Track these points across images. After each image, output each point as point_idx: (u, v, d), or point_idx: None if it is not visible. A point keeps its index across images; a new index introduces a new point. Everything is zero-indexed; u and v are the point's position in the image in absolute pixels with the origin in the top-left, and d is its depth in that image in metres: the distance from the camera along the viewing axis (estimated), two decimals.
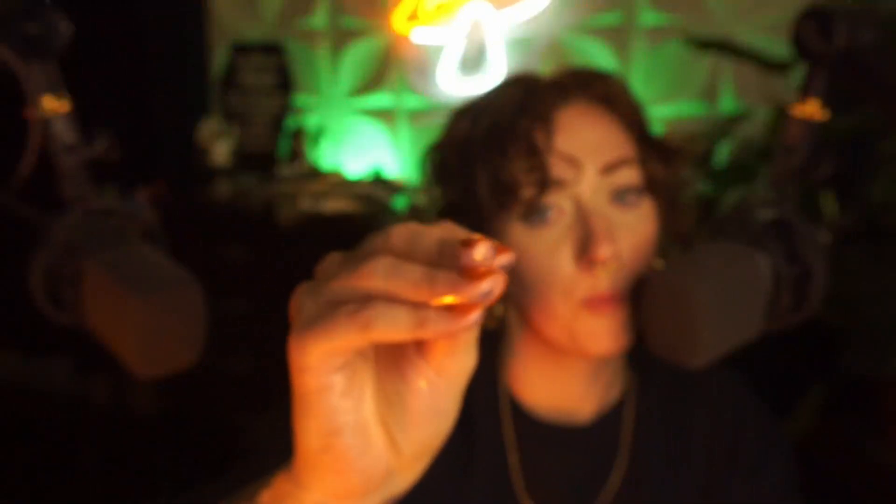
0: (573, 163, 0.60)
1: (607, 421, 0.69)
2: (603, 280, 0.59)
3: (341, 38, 2.92)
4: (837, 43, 0.55)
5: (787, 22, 0.58)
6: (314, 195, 2.66)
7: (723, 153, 2.35)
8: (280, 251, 2.56)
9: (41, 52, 0.56)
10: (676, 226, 0.68)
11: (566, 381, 0.67)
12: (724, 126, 2.20)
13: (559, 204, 0.60)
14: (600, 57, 2.57)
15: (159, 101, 2.91)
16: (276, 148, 2.96)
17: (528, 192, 0.60)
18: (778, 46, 2.16)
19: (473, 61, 2.67)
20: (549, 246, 0.60)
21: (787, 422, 1.77)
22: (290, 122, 2.96)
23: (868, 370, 1.58)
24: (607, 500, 0.67)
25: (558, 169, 0.60)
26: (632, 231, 0.61)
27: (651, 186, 0.63)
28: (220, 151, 2.85)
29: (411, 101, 2.78)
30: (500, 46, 2.62)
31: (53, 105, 0.57)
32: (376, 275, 0.30)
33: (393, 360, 0.35)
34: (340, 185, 2.72)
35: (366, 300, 0.30)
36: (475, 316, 0.29)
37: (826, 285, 0.59)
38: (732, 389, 0.72)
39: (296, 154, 2.91)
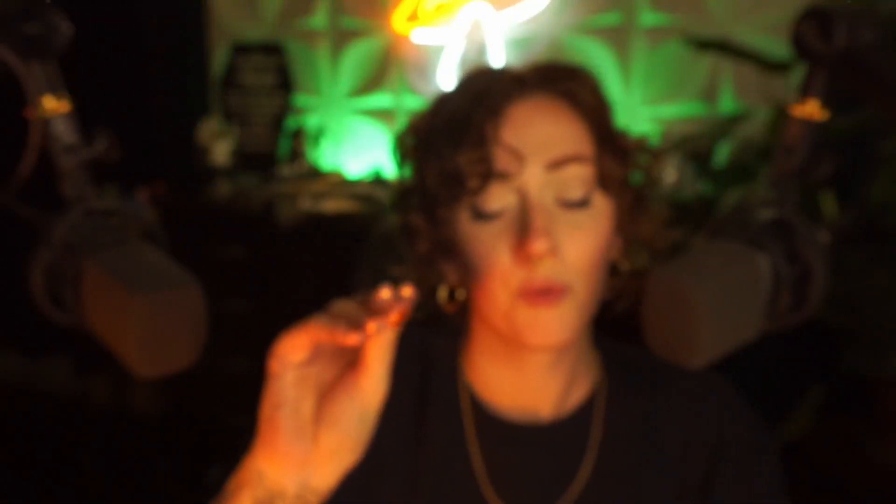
0: (518, 156, 0.61)
1: (575, 418, 0.69)
2: (539, 273, 0.60)
3: (341, 38, 2.92)
4: (837, 43, 0.55)
5: (786, 22, 0.58)
6: (314, 195, 2.66)
7: (723, 153, 2.35)
8: (280, 251, 2.56)
9: (41, 51, 0.56)
10: (637, 227, 0.68)
11: (522, 375, 0.68)
12: (724, 126, 2.20)
13: (504, 196, 0.61)
14: (600, 57, 2.57)
15: (160, 101, 2.91)
16: (276, 148, 2.97)
17: (473, 183, 0.61)
18: (777, 47, 2.16)
19: (473, 61, 2.68)
20: (492, 236, 0.61)
21: (787, 421, 1.77)
22: (290, 123, 2.96)
23: (867, 370, 1.58)
24: (573, 498, 0.67)
25: (503, 162, 0.61)
26: (579, 228, 0.61)
27: (605, 185, 0.63)
28: (221, 151, 2.85)
29: (411, 102, 2.79)
30: (500, 46, 2.62)
31: (53, 105, 0.57)
32: (335, 307, 0.49)
33: (338, 383, 0.51)
34: (340, 185, 2.72)
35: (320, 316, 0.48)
36: (364, 331, 0.46)
37: (826, 285, 0.59)
38: (718, 392, 0.71)
39: (296, 154, 2.91)
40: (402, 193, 0.68)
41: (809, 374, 1.79)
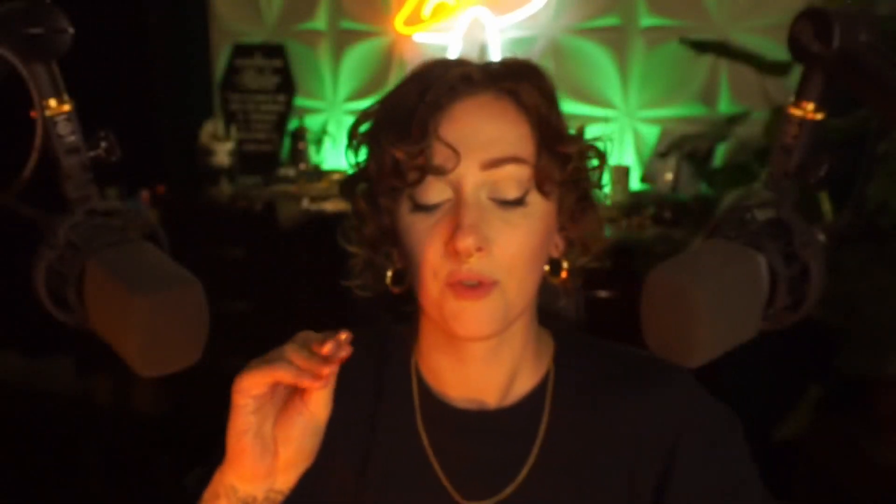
0: (455, 153, 0.62)
1: (522, 406, 0.70)
2: (467, 267, 0.61)
3: (342, 40, 2.92)
4: (834, 44, 0.55)
5: (784, 24, 0.58)
6: (315, 196, 2.67)
7: (721, 154, 2.36)
8: (280, 251, 2.56)
9: (44, 53, 0.56)
10: (579, 227, 0.69)
11: (463, 364, 0.69)
12: (723, 127, 2.20)
13: (441, 190, 0.63)
14: (599, 58, 2.58)
15: (161, 103, 2.92)
16: (277, 149, 2.97)
17: (411, 176, 0.63)
18: (775, 48, 2.16)
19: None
20: (427, 228, 0.63)
21: (785, 420, 1.78)
22: (292, 124, 2.97)
23: (865, 370, 1.59)
24: (520, 485, 0.68)
25: (441, 157, 0.62)
26: (512, 226, 0.63)
27: (542, 187, 0.64)
28: (222, 152, 2.85)
29: None
30: (499, 48, 2.63)
31: (56, 106, 0.57)
32: (286, 352, 0.57)
33: (288, 404, 0.59)
34: None
35: (280, 361, 0.56)
36: (323, 378, 0.56)
37: (824, 285, 0.60)
38: (675, 382, 0.71)
39: (297, 155, 2.92)
40: (350, 179, 0.69)
41: (807, 374, 1.80)
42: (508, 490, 0.68)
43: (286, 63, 2.95)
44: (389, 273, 0.69)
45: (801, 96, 0.59)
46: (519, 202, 0.63)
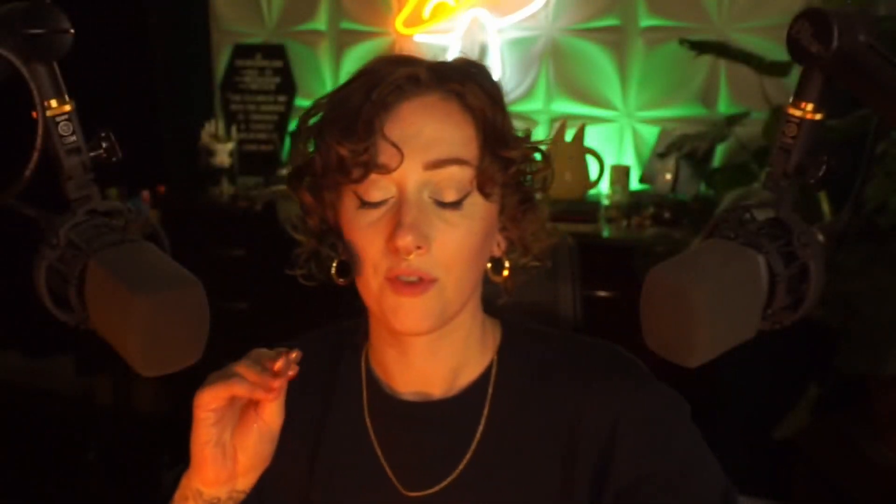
0: (399, 152, 0.63)
1: (464, 397, 0.71)
2: (407, 264, 0.63)
3: (343, 40, 2.92)
4: (833, 45, 0.55)
5: (783, 24, 0.58)
6: None
7: (720, 154, 2.36)
8: (281, 251, 2.56)
9: (45, 53, 0.56)
10: (522, 228, 0.70)
11: (406, 356, 0.71)
12: (722, 127, 2.20)
13: (385, 187, 0.64)
14: (599, 59, 2.58)
15: (162, 103, 2.92)
16: (277, 149, 2.97)
17: (355, 173, 0.64)
18: (774, 49, 2.17)
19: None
20: (370, 224, 0.64)
21: (784, 420, 1.78)
22: (292, 124, 2.96)
23: (864, 369, 1.59)
24: (459, 474, 0.69)
25: (385, 156, 0.63)
26: (452, 226, 0.64)
27: (484, 188, 0.65)
28: (223, 152, 2.85)
29: None
30: (499, 49, 2.63)
31: (57, 106, 0.57)
32: (240, 367, 0.62)
33: (244, 414, 0.64)
34: None
35: (235, 377, 0.61)
36: (274, 391, 0.61)
37: (823, 285, 0.60)
38: (616, 367, 0.71)
39: None
40: (296, 172, 0.70)
41: (806, 374, 1.80)
42: (448, 480, 0.70)
43: (287, 63, 2.95)
44: (334, 264, 0.70)
45: (799, 96, 0.59)
46: (460, 203, 0.64)
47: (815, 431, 1.80)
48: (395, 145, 0.63)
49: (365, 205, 0.65)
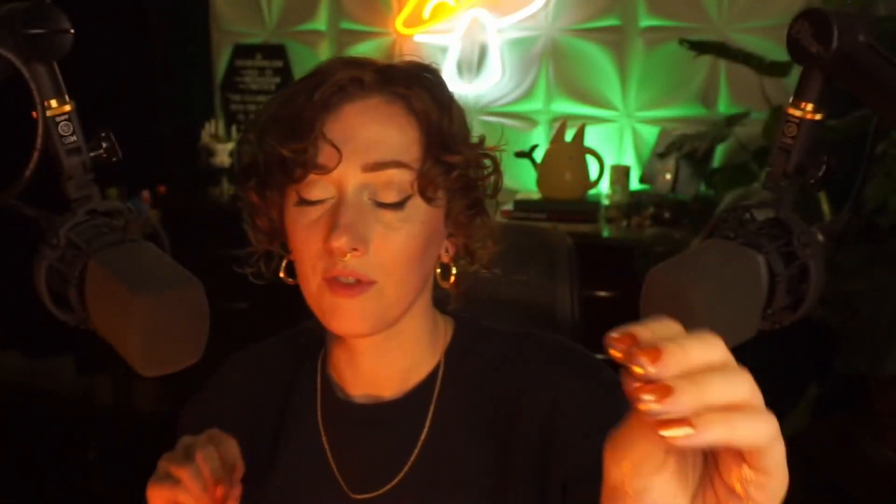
0: (338, 153, 0.63)
1: (411, 397, 0.71)
2: (344, 265, 0.62)
3: (343, 40, 2.92)
4: (832, 45, 0.55)
5: (782, 24, 0.58)
6: None
7: (720, 154, 2.36)
8: None
9: (45, 53, 0.56)
10: (469, 234, 0.69)
11: (354, 358, 0.71)
12: (722, 128, 2.20)
13: (325, 187, 0.64)
14: (599, 59, 2.58)
15: (162, 103, 2.92)
16: None
17: (295, 173, 0.63)
18: (774, 49, 2.17)
19: (473, 64, 2.68)
20: (309, 223, 0.64)
21: (784, 420, 1.78)
22: None
23: (864, 369, 1.59)
24: (404, 475, 0.69)
25: (324, 157, 0.63)
26: (391, 229, 0.63)
27: (426, 192, 0.64)
28: (223, 152, 2.85)
29: None
30: (499, 49, 2.63)
31: (57, 106, 0.58)
32: (185, 474, 0.61)
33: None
34: None
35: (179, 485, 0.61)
36: None
37: (823, 285, 0.60)
38: (557, 354, 0.71)
39: None
40: (243, 171, 0.70)
41: (806, 373, 1.80)
42: (394, 482, 0.69)
43: (287, 64, 2.95)
44: (283, 265, 0.70)
45: (799, 97, 0.59)
46: (399, 206, 0.64)
47: (815, 431, 1.80)
48: (334, 146, 0.63)
49: (304, 204, 0.64)
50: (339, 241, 0.61)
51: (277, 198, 0.67)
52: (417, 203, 0.65)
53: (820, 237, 0.60)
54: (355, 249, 0.62)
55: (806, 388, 1.77)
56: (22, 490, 2.26)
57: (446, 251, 0.70)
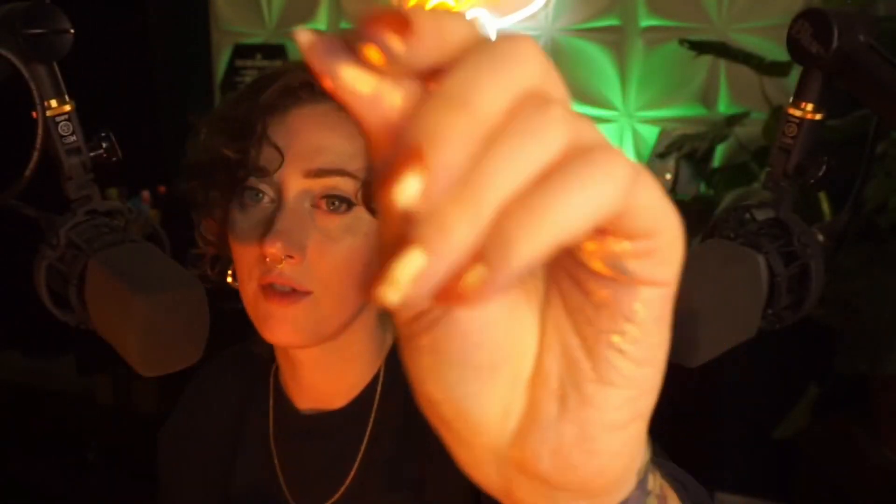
0: (279, 158, 0.61)
1: (355, 407, 0.70)
2: (279, 272, 0.60)
3: None
4: (833, 45, 0.55)
5: (783, 24, 0.58)
6: None
7: (720, 155, 2.36)
8: None
9: (45, 53, 0.56)
10: None
11: (296, 369, 0.69)
12: (722, 128, 2.20)
13: (267, 191, 0.62)
14: (598, 59, 2.58)
15: (162, 103, 2.92)
16: None
17: (237, 175, 0.62)
18: (775, 49, 2.16)
19: None
20: (248, 227, 0.62)
21: (784, 420, 1.78)
22: None
23: (864, 369, 1.59)
24: (348, 486, 0.68)
25: (266, 160, 0.62)
26: (330, 239, 0.61)
27: (370, 203, 0.62)
28: None
29: None
30: None
31: (57, 106, 0.58)
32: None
33: None
34: None
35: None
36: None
37: (823, 285, 0.60)
38: None
39: None
40: (188, 170, 0.68)
41: (806, 374, 1.80)
42: (338, 494, 0.68)
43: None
44: (230, 270, 0.69)
45: (799, 97, 0.59)
46: (339, 215, 0.62)
47: (815, 431, 1.80)
48: (277, 149, 0.61)
49: (244, 208, 0.63)
50: (274, 247, 0.59)
51: (220, 199, 0.65)
52: (361, 214, 0.62)
53: (820, 237, 0.60)
54: (290, 256, 0.60)
55: (806, 388, 1.77)
56: (22, 490, 2.26)
57: None
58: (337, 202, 0.62)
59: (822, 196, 1.60)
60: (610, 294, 0.21)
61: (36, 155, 0.55)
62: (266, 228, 0.61)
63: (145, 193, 2.72)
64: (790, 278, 0.59)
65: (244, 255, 0.62)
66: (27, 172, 0.54)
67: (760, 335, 0.61)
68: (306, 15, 2.94)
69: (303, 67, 0.65)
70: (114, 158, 0.60)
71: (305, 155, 0.61)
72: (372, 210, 0.63)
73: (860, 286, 1.50)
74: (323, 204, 0.62)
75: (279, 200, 0.62)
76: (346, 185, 0.62)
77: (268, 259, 0.60)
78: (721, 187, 2.08)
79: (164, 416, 0.82)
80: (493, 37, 0.19)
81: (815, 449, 1.83)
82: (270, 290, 0.61)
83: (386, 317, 0.71)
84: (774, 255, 0.59)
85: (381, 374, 0.70)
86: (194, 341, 0.56)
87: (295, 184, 0.61)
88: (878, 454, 1.70)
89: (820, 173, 0.59)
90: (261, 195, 0.62)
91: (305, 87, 0.64)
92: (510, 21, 2.61)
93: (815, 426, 1.79)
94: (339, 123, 0.63)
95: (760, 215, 0.61)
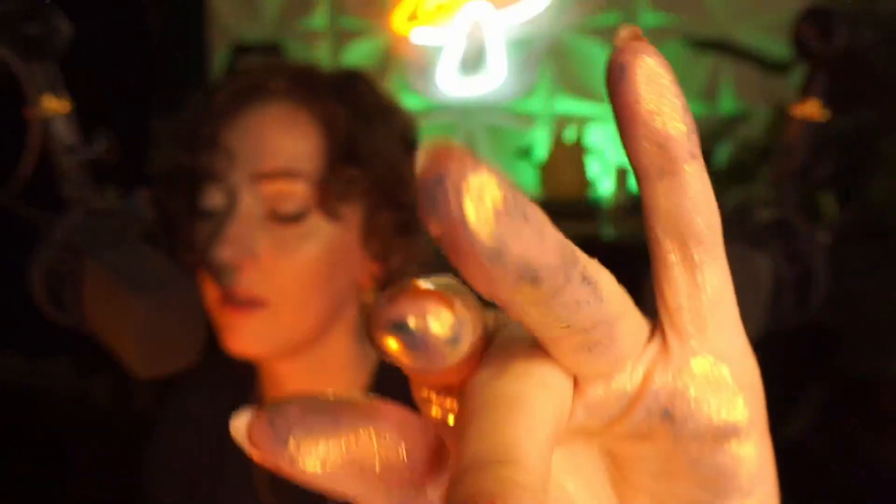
0: (227, 162, 0.59)
1: None
2: (235, 282, 0.57)
3: (341, 38, 2.92)
4: (837, 43, 0.55)
5: (787, 22, 0.58)
6: None
7: (723, 153, 2.35)
8: None
9: (42, 52, 0.56)
10: (389, 261, 0.64)
11: (279, 385, 0.66)
12: (724, 126, 2.20)
13: (218, 197, 0.60)
14: (600, 57, 2.57)
15: (160, 102, 2.91)
16: None
17: (190, 180, 0.60)
18: (778, 47, 2.16)
19: (473, 62, 2.68)
20: (206, 234, 0.60)
21: (786, 421, 1.77)
22: None
23: (867, 370, 1.58)
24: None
25: (216, 164, 0.60)
26: (285, 246, 0.58)
27: (326, 207, 0.59)
28: None
29: (411, 102, 2.79)
30: (500, 47, 2.62)
31: (54, 105, 0.57)
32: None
33: None
34: None
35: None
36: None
37: (827, 285, 0.59)
38: None
39: None
40: (150, 178, 0.66)
41: (809, 374, 1.80)
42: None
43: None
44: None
45: (803, 95, 0.59)
46: (295, 220, 0.58)
47: (818, 433, 1.79)
48: (227, 153, 0.59)
49: (201, 213, 0.60)
50: (222, 254, 0.56)
51: (178, 205, 0.63)
52: (317, 220, 0.59)
53: (824, 237, 0.60)
54: (241, 265, 0.57)
55: (807, 388, 1.77)
56: (20, 490, 2.26)
57: (370, 274, 0.64)
58: (290, 207, 0.58)
59: (826, 195, 1.60)
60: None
61: (31, 154, 0.54)
62: (220, 235, 0.58)
63: (144, 194, 2.72)
64: (794, 279, 0.58)
65: (203, 264, 0.59)
66: (23, 172, 0.54)
67: (765, 337, 0.60)
68: (304, 13, 2.94)
69: (259, 69, 0.64)
70: (111, 158, 0.60)
71: (253, 157, 0.59)
72: (329, 214, 0.59)
73: (864, 286, 1.50)
74: (276, 212, 0.59)
75: (231, 206, 0.59)
76: (298, 188, 0.59)
77: (219, 268, 0.57)
78: (723, 187, 2.08)
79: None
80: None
81: (818, 450, 1.83)
82: (229, 299, 0.58)
83: (364, 329, 0.69)
84: (778, 256, 0.58)
85: (368, 384, 0.68)
86: (191, 342, 0.55)
87: (246, 188, 0.59)
88: (879, 454, 1.69)
89: (824, 172, 0.59)
90: (215, 201, 0.60)
91: (258, 89, 0.62)
92: (512, 20, 2.60)
93: (817, 427, 1.78)
94: (293, 124, 0.61)
95: (764, 215, 0.60)
